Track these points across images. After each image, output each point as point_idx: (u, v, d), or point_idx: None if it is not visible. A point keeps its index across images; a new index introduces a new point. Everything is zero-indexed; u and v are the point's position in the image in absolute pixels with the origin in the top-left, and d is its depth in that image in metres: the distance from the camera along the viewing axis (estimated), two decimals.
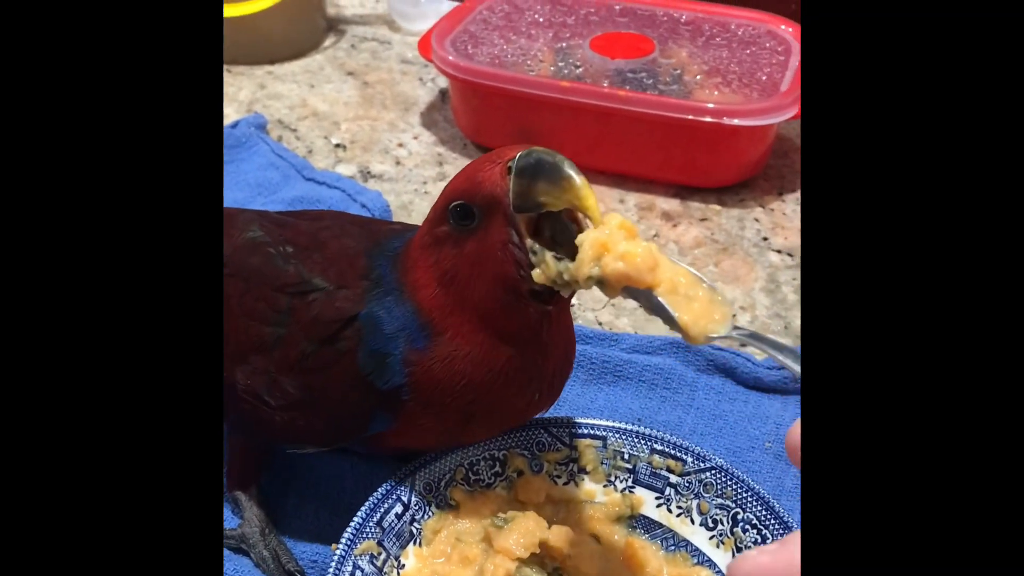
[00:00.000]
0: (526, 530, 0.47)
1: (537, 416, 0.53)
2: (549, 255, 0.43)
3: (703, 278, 0.42)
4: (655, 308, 0.41)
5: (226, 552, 0.53)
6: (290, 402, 0.49)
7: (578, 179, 0.41)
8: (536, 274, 0.43)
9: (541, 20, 0.94)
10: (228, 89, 1.01)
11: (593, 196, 0.41)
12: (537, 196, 0.42)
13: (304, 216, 0.57)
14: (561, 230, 0.43)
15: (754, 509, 0.50)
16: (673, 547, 0.51)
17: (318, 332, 0.48)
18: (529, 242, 0.43)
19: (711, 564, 0.50)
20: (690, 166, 0.84)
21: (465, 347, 0.46)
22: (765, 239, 0.80)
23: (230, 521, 0.55)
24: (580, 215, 0.43)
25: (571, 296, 0.46)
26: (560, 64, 0.88)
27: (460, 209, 0.44)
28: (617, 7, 0.96)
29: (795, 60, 0.86)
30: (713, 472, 0.51)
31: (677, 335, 0.63)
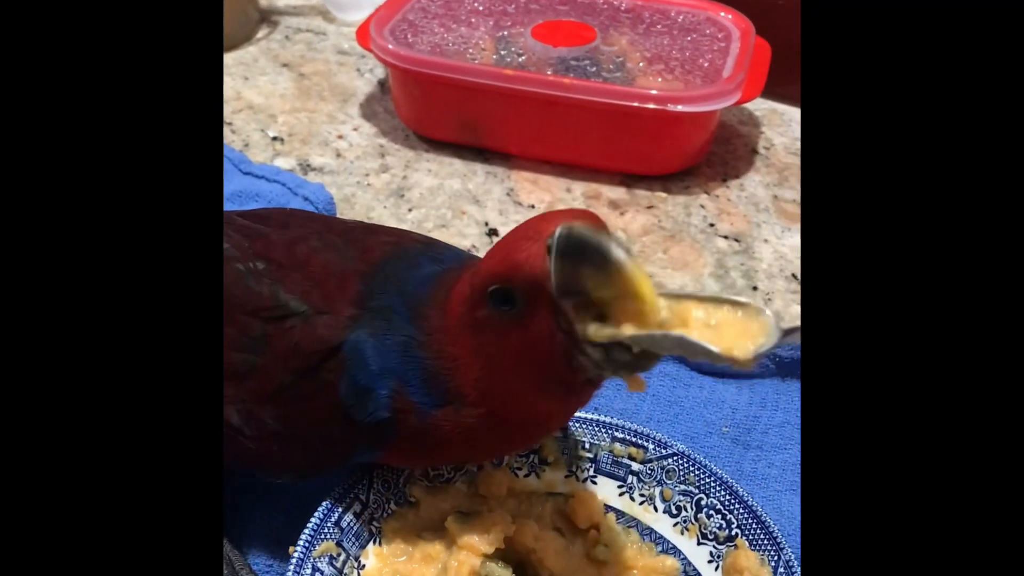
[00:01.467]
0: (490, 524, 0.46)
1: None
2: (597, 327, 0.37)
3: (727, 297, 0.38)
4: (692, 349, 0.36)
5: None
6: (267, 433, 0.46)
7: (628, 263, 0.35)
8: (593, 337, 0.37)
9: (481, 8, 0.93)
10: None
11: (648, 281, 0.36)
12: (584, 284, 0.37)
13: (269, 222, 0.51)
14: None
15: (718, 494, 0.49)
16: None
17: (298, 363, 0.44)
18: (581, 329, 0.37)
19: (676, 551, 0.50)
20: (635, 154, 0.84)
21: (479, 419, 0.43)
22: (712, 225, 0.81)
23: None
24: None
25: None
26: (502, 52, 0.87)
27: (499, 294, 0.39)
28: None
29: (736, 46, 0.87)
30: (675, 459, 0.51)
31: None
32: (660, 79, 0.84)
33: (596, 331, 0.37)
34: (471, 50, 0.87)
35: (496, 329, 0.40)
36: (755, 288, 0.74)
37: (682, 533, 0.50)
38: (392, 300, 0.44)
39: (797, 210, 0.83)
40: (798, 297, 0.73)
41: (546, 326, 0.38)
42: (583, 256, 0.36)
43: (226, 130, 0.90)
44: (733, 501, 0.49)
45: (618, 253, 0.36)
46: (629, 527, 0.51)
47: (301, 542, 0.45)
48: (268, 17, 1.11)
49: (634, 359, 0.37)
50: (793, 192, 0.85)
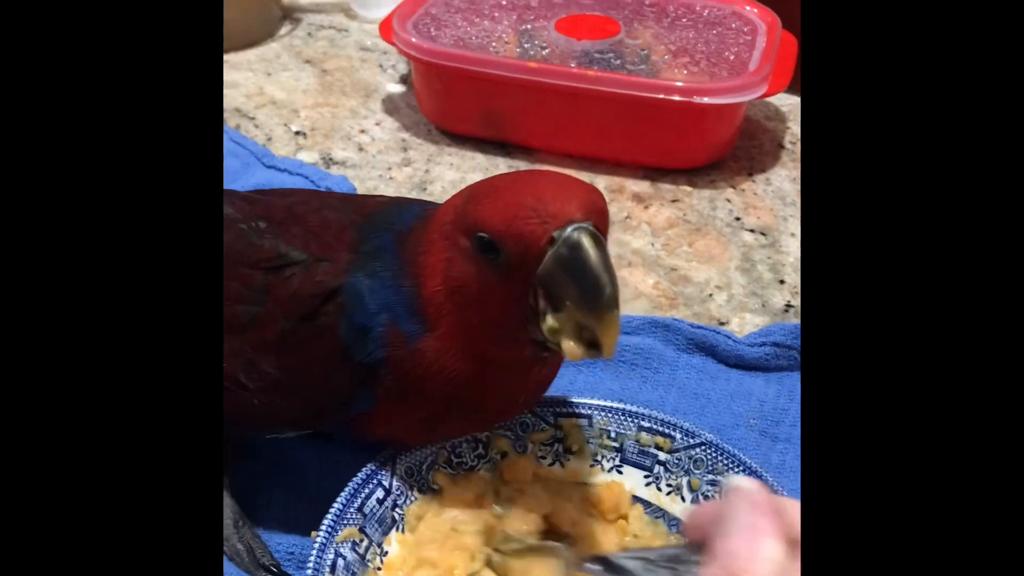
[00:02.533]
0: (529, 506, 0.46)
1: None
2: (557, 322, 0.40)
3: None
4: None
5: None
6: (268, 383, 0.46)
7: (612, 313, 0.38)
8: (546, 329, 0.41)
9: (504, 2, 0.93)
10: None
11: (615, 335, 0.39)
12: (564, 297, 0.39)
13: (273, 193, 0.54)
14: None
15: None
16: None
17: (297, 308, 0.45)
18: (542, 304, 0.41)
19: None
20: (659, 147, 0.83)
21: (451, 353, 0.44)
22: (738, 219, 0.80)
23: None
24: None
25: None
26: (525, 46, 0.86)
27: (487, 243, 0.41)
28: None
29: (762, 40, 0.86)
30: (703, 448, 0.50)
31: (656, 315, 0.63)
32: (685, 72, 0.83)
33: (551, 323, 0.40)
34: (494, 43, 0.86)
35: (471, 261, 0.42)
36: (782, 282, 0.72)
37: None
38: (382, 238, 0.46)
39: None
40: None
41: (517, 289, 0.41)
42: (578, 278, 0.39)
43: (248, 124, 0.90)
44: None
45: (608, 299, 0.38)
46: (656, 518, 0.50)
47: (324, 527, 0.45)
48: (290, 14, 1.11)
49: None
50: None
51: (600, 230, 0.40)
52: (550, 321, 0.40)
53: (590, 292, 0.39)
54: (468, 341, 0.44)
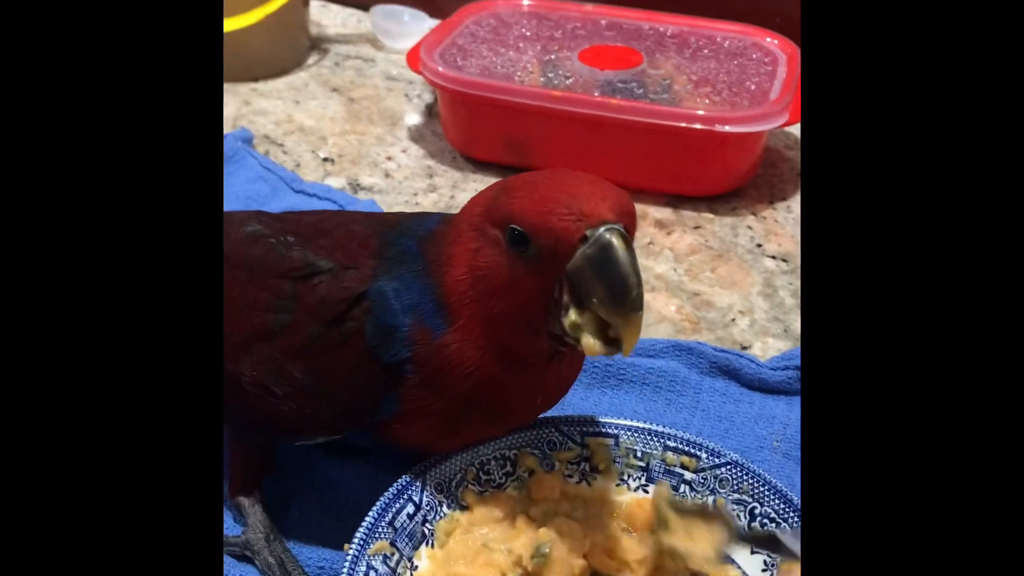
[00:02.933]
0: (562, 525, 0.47)
1: (546, 415, 0.52)
2: (577, 320, 0.42)
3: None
4: None
5: (231, 560, 0.51)
6: (297, 389, 0.47)
7: (636, 315, 0.40)
8: (567, 323, 0.42)
9: (528, 34, 0.95)
10: None
11: (637, 334, 0.41)
12: (591, 294, 0.41)
13: (300, 213, 0.56)
14: None
15: (772, 503, 0.49)
16: None
17: (325, 314, 0.47)
18: (566, 299, 0.42)
19: (730, 560, 0.49)
20: (681, 175, 0.84)
21: (473, 347, 0.45)
22: (759, 245, 0.80)
23: (233, 528, 0.53)
24: None
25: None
26: (549, 75, 0.88)
27: (519, 235, 0.42)
28: (603, 21, 0.97)
29: (783, 70, 0.87)
30: (728, 467, 0.51)
31: (679, 339, 0.64)
32: (707, 101, 0.84)
33: (573, 318, 0.42)
34: (519, 73, 0.88)
35: (500, 252, 0.44)
36: None
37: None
38: (406, 243, 0.48)
39: None
40: None
41: (544, 283, 0.42)
42: (607, 278, 0.40)
43: (277, 151, 0.92)
44: (788, 510, 0.48)
45: (635, 301, 0.40)
46: None
47: (356, 540, 0.45)
48: (318, 44, 1.14)
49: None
50: None
51: (629, 232, 0.42)
52: (572, 316, 0.42)
53: (618, 292, 0.40)
54: (488, 332, 0.45)
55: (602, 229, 0.40)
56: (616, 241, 0.40)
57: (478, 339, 0.45)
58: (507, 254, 0.43)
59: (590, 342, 0.42)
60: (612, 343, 0.42)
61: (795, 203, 0.86)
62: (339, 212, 0.57)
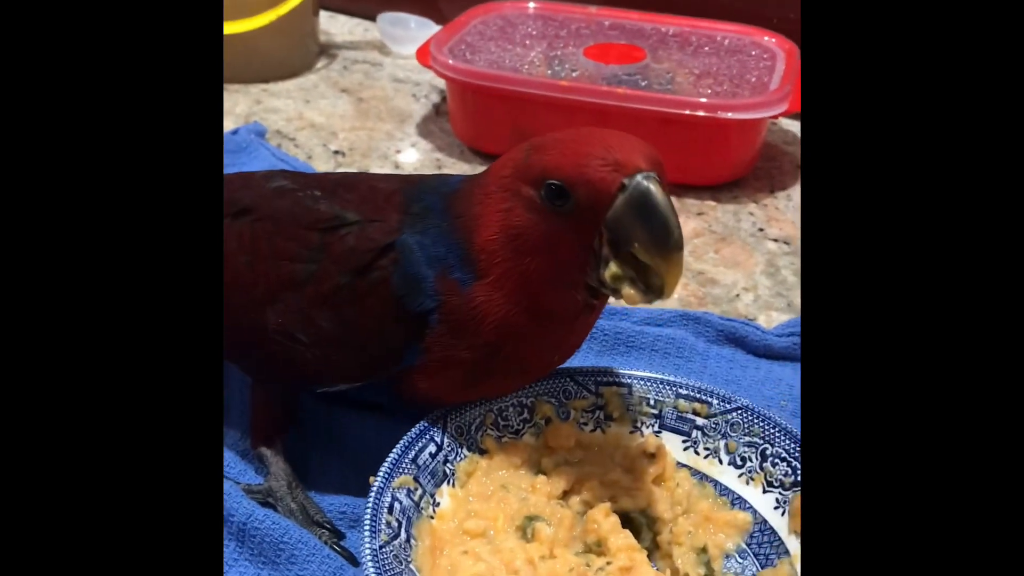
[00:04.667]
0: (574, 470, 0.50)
1: (562, 367, 0.54)
2: (618, 272, 0.44)
3: None
4: None
5: (254, 504, 0.52)
6: (323, 337, 0.49)
7: (678, 254, 0.42)
8: (604, 274, 0.44)
9: (534, 33, 0.98)
10: (224, 104, 1.02)
11: (679, 275, 0.43)
12: (632, 239, 0.42)
13: (325, 173, 0.58)
14: None
15: (782, 443, 0.50)
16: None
17: (352, 262, 0.48)
18: (606, 251, 0.44)
19: (742, 501, 0.51)
20: (685, 163, 0.86)
21: (503, 299, 0.47)
22: (761, 230, 0.83)
23: (255, 477, 0.54)
24: None
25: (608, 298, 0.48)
26: (556, 68, 0.90)
27: (557, 189, 0.43)
28: (606, 22, 1.00)
29: (781, 65, 0.90)
30: (739, 412, 0.52)
31: (686, 308, 0.65)
32: (709, 91, 0.87)
33: (614, 270, 0.44)
34: (526, 66, 0.91)
35: (535, 210, 0.45)
36: None
37: (747, 483, 0.51)
38: (431, 199, 0.49)
39: None
40: None
41: (584, 235, 0.44)
42: (648, 221, 0.42)
43: (289, 144, 0.94)
44: (798, 448, 0.50)
45: (676, 240, 0.42)
46: (704, 482, 0.52)
47: (381, 473, 0.47)
48: (327, 50, 1.17)
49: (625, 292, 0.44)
50: None
51: (661, 179, 0.43)
52: (613, 268, 0.43)
53: (660, 234, 0.42)
54: (521, 288, 0.46)
55: (639, 177, 0.42)
56: (653, 187, 0.42)
57: (509, 294, 0.46)
58: (542, 211, 0.44)
59: (631, 292, 0.44)
60: (651, 291, 0.43)
61: (795, 192, 0.89)
62: (361, 172, 0.59)
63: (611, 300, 0.66)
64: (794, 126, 1.00)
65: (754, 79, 0.88)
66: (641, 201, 0.42)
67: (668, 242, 0.42)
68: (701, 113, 0.81)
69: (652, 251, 0.42)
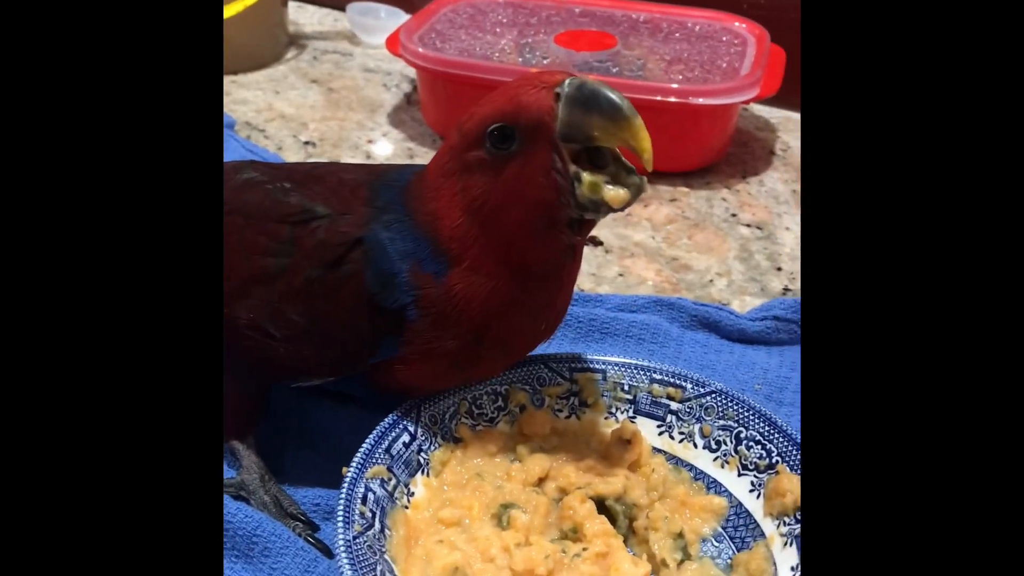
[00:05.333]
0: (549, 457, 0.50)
1: (535, 353, 0.53)
2: (593, 178, 0.43)
3: None
4: None
5: (227, 499, 0.52)
6: (295, 331, 0.48)
7: (636, 119, 0.42)
8: (581, 192, 0.43)
9: (505, 20, 0.97)
10: None
11: (648, 136, 0.42)
12: (590, 130, 0.42)
13: (294, 164, 0.57)
14: (596, 154, 0.44)
15: (757, 426, 0.51)
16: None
17: (323, 256, 0.48)
18: (573, 168, 0.43)
19: (717, 484, 0.51)
20: (657, 150, 0.85)
21: (483, 278, 0.46)
22: (734, 215, 0.83)
23: (228, 471, 0.54)
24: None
25: (589, 231, 0.48)
26: (527, 56, 0.90)
27: (499, 132, 0.44)
28: (577, 9, 1.00)
29: (752, 50, 0.90)
30: (713, 396, 0.52)
31: (660, 294, 0.65)
32: (681, 77, 0.87)
33: (589, 180, 0.43)
34: (497, 54, 0.90)
35: (489, 167, 0.45)
36: (779, 269, 0.75)
37: (722, 467, 0.51)
38: (390, 194, 0.49)
39: None
40: None
41: (543, 162, 0.43)
42: (594, 105, 0.42)
43: (259, 136, 0.93)
44: (771, 431, 0.50)
45: (628, 109, 0.41)
46: (680, 467, 0.52)
47: (354, 464, 0.46)
48: (296, 40, 1.16)
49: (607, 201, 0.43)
50: None
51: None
52: (586, 178, 0.43)
53: (611, 108, 0.42)
54: (504, 257, 0.46)
55: (567, 80, 0.43)
56: (587, 79, 0.43)
57: (490, 270, 0.46)
58: (495, 164, 0.44)
59: (615, 193, 0.43)
60: (631, 183, 0.43)
61: (767, 178, 0.89)
62: (329, 162, 0.58)
63: (582, 288, 0.65)
64: (765, 111, 1.01)
65: (725, 65, 0.88)
66: (580, 92, 0.42)
67: (623, 111, 0.42)
68: (672, 99, 0.81)
69: (612, 127, 0.42)
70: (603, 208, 0.44)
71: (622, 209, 0.44)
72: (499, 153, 0.44)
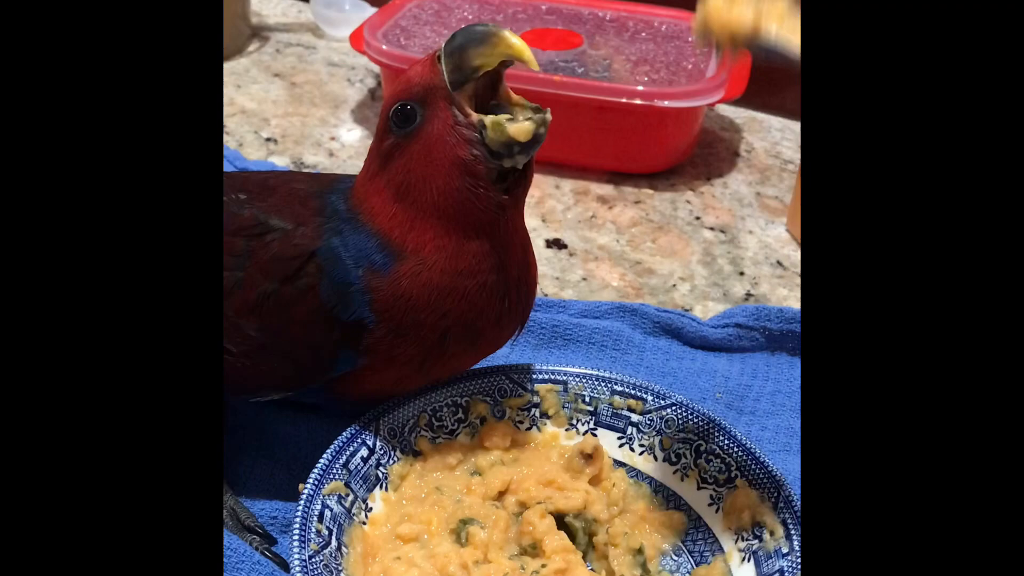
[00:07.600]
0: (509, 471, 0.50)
1: (496, 364, 0.53)
2: (495, 117, 0.44)
3: None
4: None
5: None
6: (252, 347, 0.48)
7: (505, 32, 0.43)
8: (489, 137, 0.44)
9: (470, 17, 0.96)
10: None
11: (524, 44, 0.43)
12: (471, 62, 0.44)
13: (249, 172, 0.57)
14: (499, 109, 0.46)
15: (716, 439, 0.51)
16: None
17: (278, 270, 0.47)
18: (476, 116, 0.44)
19: (676, 498, 0.51)
20: (622, 152, 0.86)
21: (429, 257, 0.46)
22: (698, 218, 0.83)
23: None
24: (513, 95, 0.46)
25: (524, 193, 0.48)
26: None
27: (400, 111, 0.45)
28: (543, 6, 0.99)
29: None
30: (674, 408, 0.52)
31: (623, 300, 0.65)
32: (646, 78, 0.86)
33: (493, 120, 0.44)
34: None
35: (401, 149, 0.46)
36: (742, 273, 0.75)
37: (682, 480, 0.51)
38: (336, 202, 0.49)
39: (780, 205, 0.85)
40: (784, 281, 0.75)
41: (446, 122, 0.45)
42: (468, 41, 0.44)
43: None
44: (731, 445, 0.50)
45: (494, 28, 0.43)
46: (640, 481, 0.52)
47: (310, 480, 0.46)
48: (259, 32, 1.14)
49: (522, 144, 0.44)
50: (775, 190, 0.88)
51: None
52: (487, 121, 0.44)
53: (480, 33, 0.43)
54: (440, 231, 0.46)
55: (443, 43, 0.45)
56: (459, 29, 0.44)
57: (430, 251, 0.46)
58: (408, 143, 0.46)
59: (518, 126, 0.44)
60: (534, 119, 0.44)
61: (731, 180, 0.89)
62: (283, 172, 0.58)
63: (545, 292, 0.65)
64: (730, 111, 1.01)
65: (691, 66, 0.88)
66: (453, 40, 0.44)
67: (490, 29, 0.43)
68: (638, 101, 0.80)
69: (488, 48, 0.43)
70: (515, 147, 0.44)
71: (533, 144, 0.44)
72: (407, 131, 0.45)
